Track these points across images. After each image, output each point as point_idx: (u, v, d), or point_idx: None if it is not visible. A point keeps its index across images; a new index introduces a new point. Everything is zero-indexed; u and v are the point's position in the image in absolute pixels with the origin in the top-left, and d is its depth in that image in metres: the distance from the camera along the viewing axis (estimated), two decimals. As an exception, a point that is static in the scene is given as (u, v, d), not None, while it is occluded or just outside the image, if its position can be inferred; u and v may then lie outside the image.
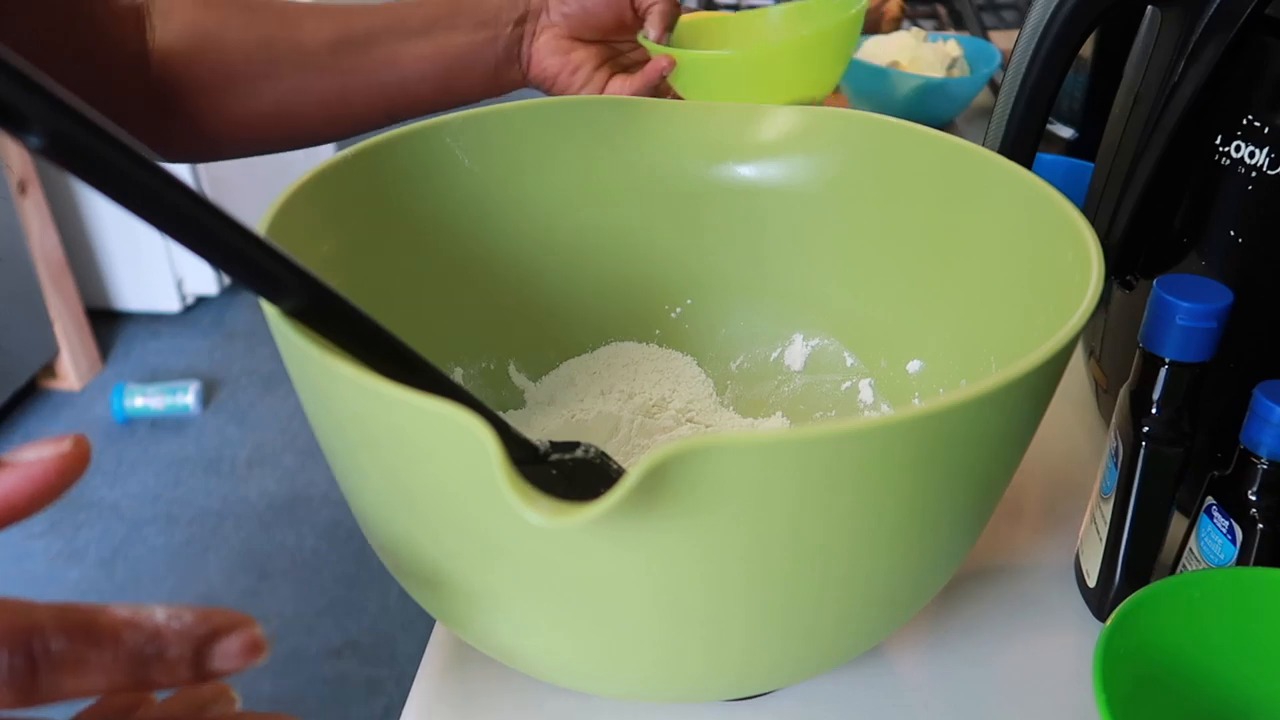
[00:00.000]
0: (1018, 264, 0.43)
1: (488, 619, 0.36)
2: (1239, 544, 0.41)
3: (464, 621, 0.37)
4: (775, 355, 0.55)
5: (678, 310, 0.55)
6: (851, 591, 0.34)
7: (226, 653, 0.25)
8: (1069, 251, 0.39)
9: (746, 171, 0.52)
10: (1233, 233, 0.46)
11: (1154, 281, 0.42)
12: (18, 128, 0.23)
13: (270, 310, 0.31)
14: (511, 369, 0.53)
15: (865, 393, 0.53)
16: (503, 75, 0.67)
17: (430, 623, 0.48)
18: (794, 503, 0.29)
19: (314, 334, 0.30)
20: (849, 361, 0.53)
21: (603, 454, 0.39)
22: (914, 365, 0.50)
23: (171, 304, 2.21)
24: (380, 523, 0.36)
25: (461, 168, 0.49)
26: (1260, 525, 0.40)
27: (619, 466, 0.40)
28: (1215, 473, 0.42)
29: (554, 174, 0.52)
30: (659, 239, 0.53)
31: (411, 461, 0.31)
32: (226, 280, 2.25)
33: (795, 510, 0.29)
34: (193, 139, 0.63)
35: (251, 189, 2.27)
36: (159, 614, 0.25)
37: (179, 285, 2.21)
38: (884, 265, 0.51)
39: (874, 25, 1.23)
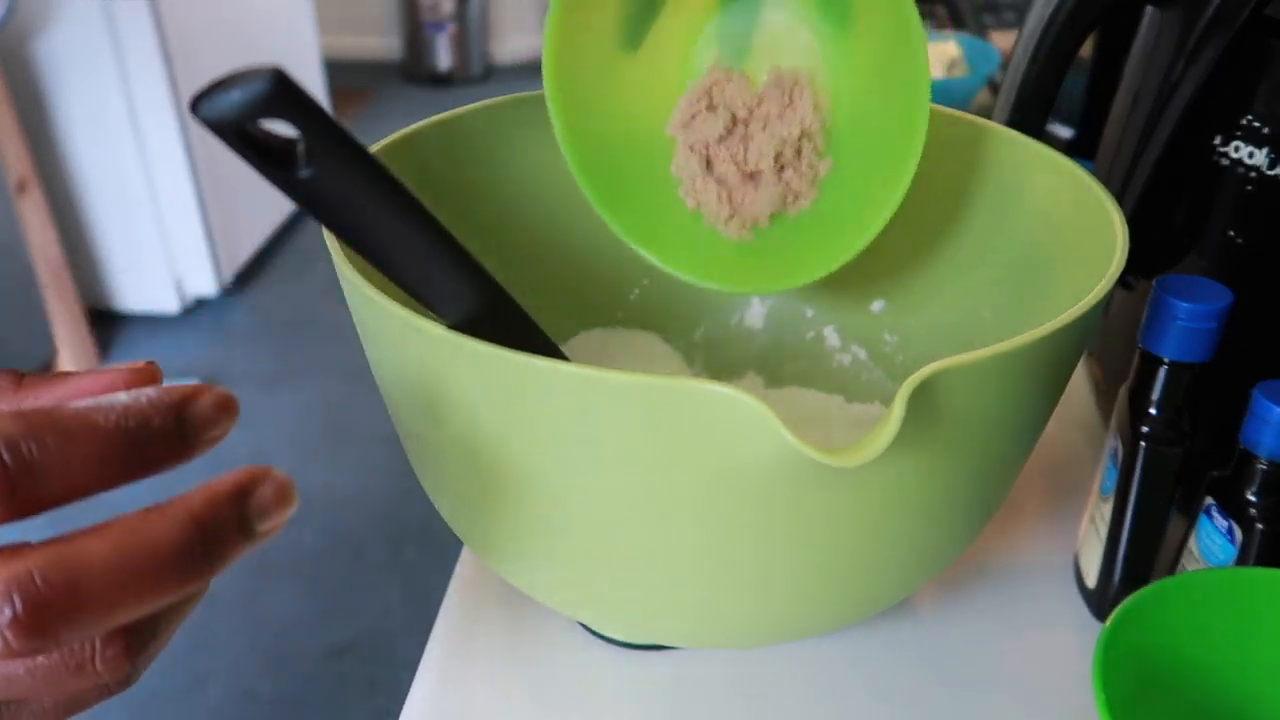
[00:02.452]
0: (996, 212, 0.46)
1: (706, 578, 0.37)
2: (1238, 544, 0.41)
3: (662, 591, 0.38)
4: (735, 320, 0.56)
5: (635, 293, 0.56)
6: (1003, 485, 0.39)
7: (261, 500, 0.25)
8: (1066, 195, 0.41)
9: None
10: (1232, 233, 0.46)
11: (1154, 281, 0.42)
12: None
13: (436, 327, 0.31)
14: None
15: (831, 339, 0.54)
16: None
17: (430, 623, 0.48)
18: (1006, 409, 0.34)
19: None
20: (808, 313, 0.55)
21: None
22: (877, 305, 0.52)
23: (170, 305, 2.21)
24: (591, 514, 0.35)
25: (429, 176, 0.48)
26: (1260, 525, 0.40)
27: None
28: (1215, 473, 0.42)
29: (503, 179, 0.51)
30: (606, 227, 0.53)
31: (676, 447, 0.31)
32: (226, 281, 2.25)
33: (1007, 414, 0.35)
34: None
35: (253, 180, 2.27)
36: (121, 396, 0.24)
37: (178, 286, 2.21)
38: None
39: None
